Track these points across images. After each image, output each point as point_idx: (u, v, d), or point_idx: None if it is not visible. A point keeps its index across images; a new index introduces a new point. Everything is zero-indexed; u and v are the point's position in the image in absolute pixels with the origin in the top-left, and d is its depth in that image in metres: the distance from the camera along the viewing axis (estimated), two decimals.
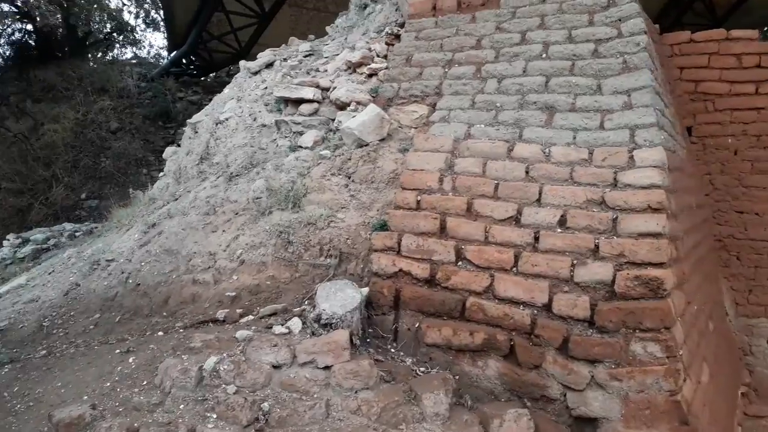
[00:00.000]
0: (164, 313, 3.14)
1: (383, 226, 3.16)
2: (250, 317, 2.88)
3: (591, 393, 2.57)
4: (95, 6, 14.38)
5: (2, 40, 16.29)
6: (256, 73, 5.06)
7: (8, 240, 7.36)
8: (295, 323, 2.63)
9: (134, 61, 18.37)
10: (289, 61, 5.08)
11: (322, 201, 3.44)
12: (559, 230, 2.90)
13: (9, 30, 16.00)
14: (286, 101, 4.27)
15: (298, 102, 4.20)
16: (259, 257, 3.23)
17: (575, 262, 2.76)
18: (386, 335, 2.87)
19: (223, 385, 2.28)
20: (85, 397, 2.42)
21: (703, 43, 5.61)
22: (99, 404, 2.30)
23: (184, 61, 16.08)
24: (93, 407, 2.24)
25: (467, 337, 2.74)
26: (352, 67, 4.35)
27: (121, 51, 20.06)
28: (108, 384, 2.47)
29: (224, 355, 2.37)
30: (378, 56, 4.36)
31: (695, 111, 5.65)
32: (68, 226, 7.70)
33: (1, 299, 3.85)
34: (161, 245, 3.61)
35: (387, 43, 4.49)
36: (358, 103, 3.94)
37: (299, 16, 15.27)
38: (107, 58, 19.25)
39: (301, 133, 4.04)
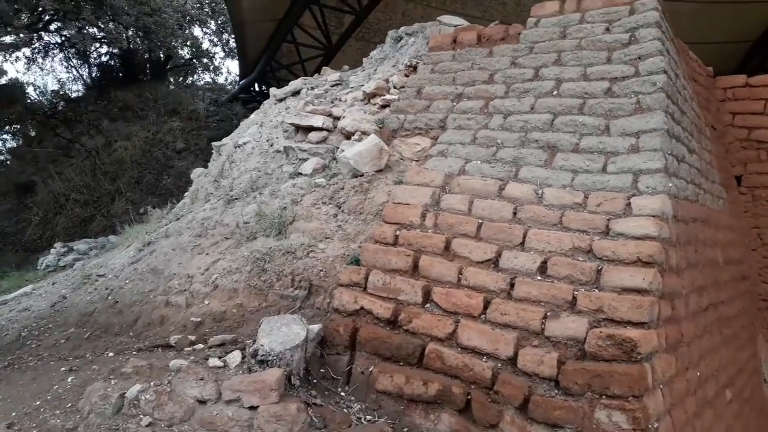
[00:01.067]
0: (131, 334, 3.11)
1: (357, 260, 3.02)
2: (200, 346, 2.79)
3: None
4: (176, 33, 15.11)
5: (89, 62, 17.38)
6: (281, 100, 5.09)
7: (55, 248, 7.69)
8: (234, 357, 2.51)
9: (208, 86, 19.16)
10: (315, 89, 5.08)
11: (307, 230, 3.34)
12: (538, 278, 2.67)
13: (95, 53, 17.08)
14: (297, 128, 4.24)
15: (308, 129, 4.16)
16: (232, 283, 3.16)
17: (549, 313, 2.52)
18: (338, 377, 2.70)
19: (140, 416, 2.18)
20: (14, 414, 2.38)
21: (760, 87, 5.22)
22: (17, 424, 2.25)
23: (253, 87, 16.61)
24: (8, 426, 2.20)
25: (420, 387, 2.53)
26: (367, 98, 4.28)
27: (200, 76, 21.06)
28: (38, 403, 2.43)
29: (150, 384, 2.29)
30: (395, 87, 4.27)
31: (746, 159, 5.23)
32: (112, 238, 7.97)
33: (5, 305, 3.96)
34: (149, 264, 3.61)
35: (406, 75, 4.40)
36: (363, 132, 3.85)
37: (365, 49, 15.53)
38: (186, 82, 20.23)
39: (305, 160, 3.98)
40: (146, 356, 2.71)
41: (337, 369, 2.73)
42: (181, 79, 20.89)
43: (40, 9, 11.06)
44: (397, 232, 3.00)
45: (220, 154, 4.96)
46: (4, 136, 17.68)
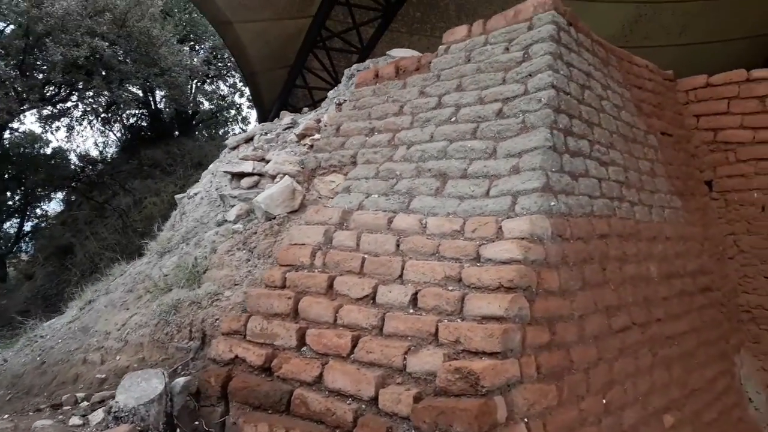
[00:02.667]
0: (45, 394, 3.20)
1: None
2: (85, 404, 2.84)
3: None
4: (187, 90, 15.72)
5: (120, 124, 18.26)
6: (234, 148, 5.20)
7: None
8: (97, 415, 2.55)
9: (235, 135, 19.70)
10: (268, 134, 5.17)
11: (218, 278, 3.39)
12: (411, 311, 2.61)
13: (126, 115, 17.96)
14: (233, 175, 4.33)
15: (241, 176, 4.25)
16: (139, 338, 3.22)
17: (412, 348, 2.45)
18: (210, 429, 2.69)
19: None
20: None
21: (721, 86, 5.02)
22: None
23: None
24: None
25: None
26: (299, 138, 4.34)
27: (231, 128, 21.78)
28: None
29: None
30: (325, 127, 4.32)
31: (715, 163, 5.01)
32: None
33: None
34: (82, 322, 3.72)
35: (338, 112, 4.45)
36: (285, 174, 3.90)
37: None
38: (217, 134, 20.96)
39: (234, 207, 4.05)
40: (30, 417, 2.78)
41: (210, 421, 2.73)
42: (214, 131, 21.66)
43: (51, 83, 11.74)
44: (286, 275, 3.00)
45: (177, 207, 5.10)
46: (52, 204, 18.71)
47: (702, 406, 3.74)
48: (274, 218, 3.58)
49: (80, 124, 17.78)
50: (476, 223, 2.75)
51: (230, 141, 5.28)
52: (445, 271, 2.63)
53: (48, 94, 12.45)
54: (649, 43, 11.26)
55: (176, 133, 18.97)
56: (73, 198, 18.09)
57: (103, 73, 11.55)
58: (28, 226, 18.72)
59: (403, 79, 3.92)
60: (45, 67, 11.07)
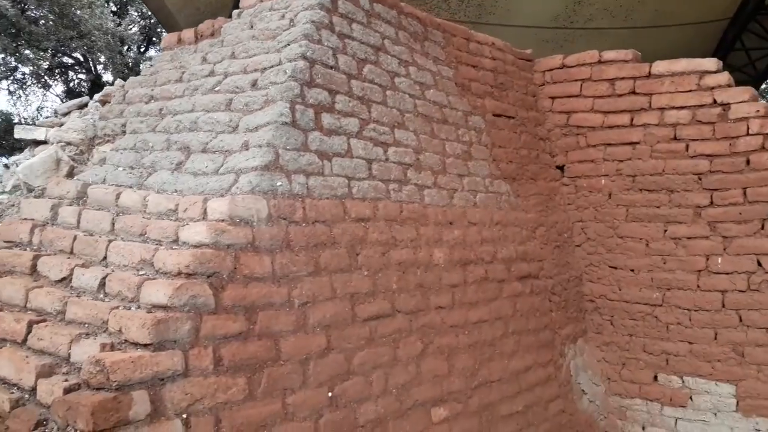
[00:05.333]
0: None
1: None
2: None
3: None
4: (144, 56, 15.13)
5: (70, 90, 17.60)
6: (66, 114, 4.90)
7: None
8: None
9: None
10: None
11: None
12: (100, 296, 2.40)
13: (74, 80, 17.30)
14: (34, 143, 4.06)
15: (37, 143, 3.98)
16: None
17: (80, 337, 2.24)
18: None
19: None
20: None
21: (575, 68, 4.86)
22: None
23: None
24: None
25: None
26: (102, 104, 4.07)
27: None
28: None
29: None
30: (115, 93, 4.03)
31: (567, 147, 4.87)
32: None
33: None
34: None
35: None
36: (69, 143, 3.64)
37: None
38: None
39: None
40: None
41: None
42: None
43: None
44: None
45: None
46: None
47: (499, 398, 3.62)
48: (35, 190, 3.33)
49: (22, 88, 17.13)
50: (188, 203, 2.54)
51: (61, 107, 4.97)
52: (142, 254, 2.42)
53: None
54: (593, 25, 11.00)
55: None
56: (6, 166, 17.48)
57: (11, 32, 11.04)
58: None
59: (196, 45, 3.66)
60: None
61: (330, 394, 2.62)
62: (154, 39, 18.14)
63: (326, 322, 2.66)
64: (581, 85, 4.77)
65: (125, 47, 15.77)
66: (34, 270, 2.62)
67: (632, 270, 4.51)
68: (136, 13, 17.95)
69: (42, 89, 17.90)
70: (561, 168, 4.89)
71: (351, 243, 2.86)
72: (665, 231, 4.34)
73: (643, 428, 4.45)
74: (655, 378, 4.40)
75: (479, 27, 7.17)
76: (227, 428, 2.21)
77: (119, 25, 14.09)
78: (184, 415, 2.12)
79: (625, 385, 4.54)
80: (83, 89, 18.59)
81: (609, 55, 4.67)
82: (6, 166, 3.89)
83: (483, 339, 3.58)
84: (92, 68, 18.05)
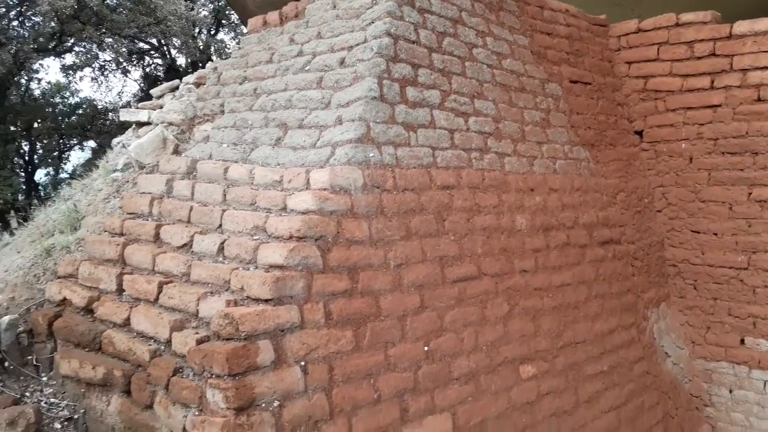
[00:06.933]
0: None
1: None
2: None
3: None
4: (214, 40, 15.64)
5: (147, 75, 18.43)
6: (159, 97, 5.25)
7: None
8: None
9: None
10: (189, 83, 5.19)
11: (90, 224, 3.50)
12: (220, 259, 2.68)
13: (151, 66, 18.07)
14: (137, 124, 4.41)
15: (141, 125, 4.32)
16: (15, 279, 3.39)
17: (207, 295, 2.53)
18: (39, 364, 2.87)
19: None
20: None
21: (651, 31, 4.82)
22: None
23: None
24: None
25: (90, 371, 2.63)
26: (196, 86, 4.37)
27: None
28: None
29: None
30: (210, 75, 4.30)
31: (646, 112, 4.86)
32: None
33: None
34: None
35: None
36: (171, 123, 3.95)
37: None
38: None
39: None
40: None
41: (41, 356, 2.90)
42: None
43: (54, 35, 11.97)
44: (124, 222, 3.10)
45: None
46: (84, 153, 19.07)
47: (584, 358, 3.73)
48: (145, 167, 3.65)
49: (104, 75, 18.02)
50: (292, 174, 2.77)
51: (155, 90, 5.32)
52: (255, 221, 2.67)
53: (52, 45, 12.74)
54: None
55: None
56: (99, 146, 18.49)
57: (94, 22, 11.68)
58: (63, 174, 19.26)
59: (283, 26, 3.88)
60: (36, 19, 11.27)
61: (426, 348, 2.83)
62: (223, 22, 18.68)
63: (419, 283, 2.86)
64: (658, 48, 4.72)
65: (197, 31, 16.33)
66: (157, 237, 2.93)
67: (715, 234, 4.48)
68: None
69: (122, 75, 18.84)
70: (639, 133, 4.88)
71: (438, 209, 3.03)
72: (749, 194, 4.29)
73: (731, 391, 4.47)
74: (742, 341, 4.39)
75: None
76: (339, 375, 2.45)
77: (191, 9, 14.60)
78: (303, 363, 2.37)
79: (710, 349, 4.55)
80: (159, 73, 19.39)
81: (687, 17, 4.59)
82: (122, 146, 4.24)
83: (567, 302, 3.69)
84: (167, 53, 18.81)
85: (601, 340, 3.89)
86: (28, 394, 2.71)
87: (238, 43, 4.32)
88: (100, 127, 14.70)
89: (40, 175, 17.63)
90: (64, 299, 2.96)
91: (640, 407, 4.06)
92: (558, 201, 3.79)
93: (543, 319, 3.50)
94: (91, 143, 16.73)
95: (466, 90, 3.39)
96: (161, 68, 19.19)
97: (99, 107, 16.16)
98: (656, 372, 4.40)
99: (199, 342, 2.37)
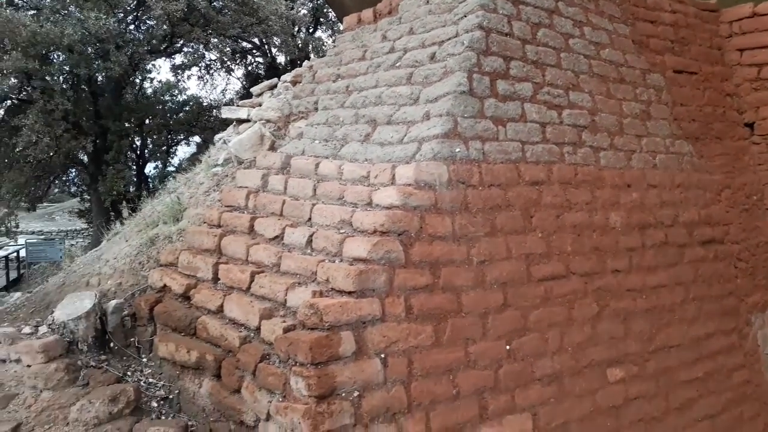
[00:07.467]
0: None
1: None
2: (52, 318, 3.32)
3: (269, 426, 2.45)
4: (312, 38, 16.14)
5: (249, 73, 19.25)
6: (259, 95, 5.48)
7: None
8: (43, 327, 2.99)
9: None
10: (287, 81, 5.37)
11: (191, 215, 3.72)
12: (308, 251, 2.77)
13: (252, 65, 18.86)
14: (237, 121, 4.63)
15: (240, 122, 4.53)
16: (123, 266, 3.66)
17: (296, 285, 2.63)
18: (140, 346, 3.07)
19: None
20: None
21: None
22: None
23: None
24: None
25: (185, 354, 2.80)
26: (293, 84, 4.52)
27: None
28: None
29: None
30: (305, 73, 4.43)
31: (758, 102, 4.54)
32: None
33: None
34: (102, 251, 4.25)
35: None
36: (268, 120, 4.12)
37: None
38: None
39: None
40: (5, 326, 3.31)
41: (142, 339, 3.11)
42: None
43: (165, 37, 12.75)
44: (222, 215, 3.26)
45: None
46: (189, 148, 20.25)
47: (677, 363, 3.56)
48: (243, 162, 3.83)
49: (209, 73, 18.99)
50: (378, 170, 2.82)
51: (255, 89, 5.55)
52: (342, 215, 2.74)
53: (164, 47, 13.61)
54: None
55: None
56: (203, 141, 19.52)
57: (201, 23, 12.31)
58: (170, 168, 20.51)
59: (375, 24, 3.93)
60: (151, 22, 12.04)
61: (508, 347, 2.79)
62: (321, 20, 19.15)
63: (502, 280, 2.82)
64: None
65: (296, 29, 16.83)
66: (251, 229, 3.08)
67: None
68: None
69: (225, 73, 19.77)
70: (750, 125, 4.54)
71: (525, 205, 2.97)
72: None
73: None
74: None
75: None
76: (418, 369, 2.48)
77: (291, 8, 15.07)
78: (383, 355, 2.41)
79: None
80: (260, 71, 20.18)
81: None
82: (224, 141, 4.46)
83: (661, 304, 3.52)
84: (268, 51, 19.53)
85: (696, 344, 3.68)
86: (129, 373, 2.93)
87: (333, 41, 4.42)
88: (204, 123, 15.50)
89: (150, 169, 18.94)
90: (165, 286, 3.17)
91: (738, 417, 3.80)
92: (657, 198, 3.61)
93: (634, 322, 3.36)
94: (197, 139, 17.68)
95: (560, 82, 3.30)
96: (262, 66, 19.97)
97: (204, 104, 17.04)
98: (758, 381, 4.09)
99: (286, 330, 2.47)
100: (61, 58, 11.96)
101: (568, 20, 3.47)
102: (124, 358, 3.03)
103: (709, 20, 4.55)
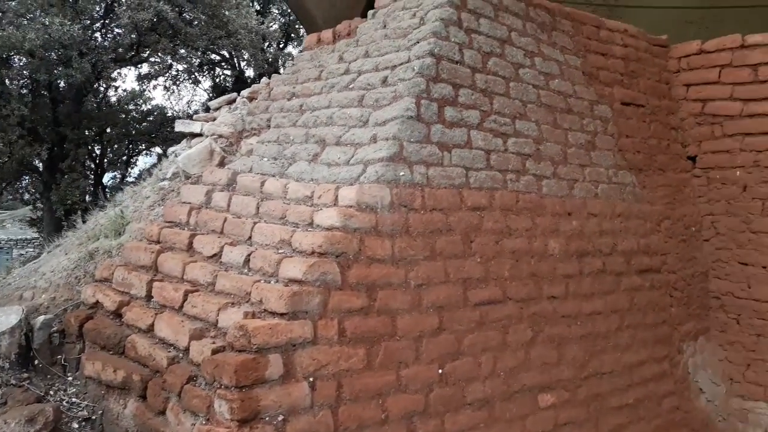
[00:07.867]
0: None
1: None
2: None
3: None
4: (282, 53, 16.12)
5: (216, 85, 19.11)
6: (217, 109, 5.45)
7: None
8: None
9: None
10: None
11: (134, 230, 3.66)
12: (244, 270, 2.75)
13: (220, 78, 18.81)
14: (190, 135, 4.59)
15: (194, 136, 4.49)
16: (59, 280, 3.57)
17: (228, 305, 2.60)
18: (67, 364, 3.01)
19: None
20: None
21: (714, 53, 4.63)
22: None
23: None
24: None
25: (112, 373, 2.74)
26: (249, 100, 4.51)
27: None
28: None
29: None
30: (262, 90, 4.43)
31: (701, 137, 4.69)
32: None
33: None
34: (39, 263, 4.15)
35: None
36: (221, 135, 4.09)
37: None
38: None
39: None
40: None
41: (70, 356, 3.04)
42: None
43: (132, 46, 12.63)
44: (162, 231, 3.22)
45: None
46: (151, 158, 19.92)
47: (609, 389, 3.62)
48: (190, 177, 3.79)
49: (176, 84, 18.79)
50: (322, 190, 2.82)
51: (213, 103, 5.52)
52: (282, 235, 2.73)
53: (130, 56, 13.47)
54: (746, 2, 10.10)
55: None
56: (164, 153, 19.26)
57: (169, 34, 12.23)
58: (130, 178, 20.17)
59: (335, 44, 3.96)
60: (118, 30, 11.90)
61: (440, 371, 2.81)
62: (292, 35, 19.20)
63: (439, 304, 2.84)
64: (720, 71, 4.53)
65: (266, 44, 16.83)
66: (190, 247, 3.04)
67: (765, 267, 4.25)
68: (277, 11, 19.10)
69: (192, 85, 19.62)
70: (693, 159, 4.69)
71: (466, 230, 3.01)
72: None
73: None
74: None
75: (618, 10, 6.96)
76: (347, 393, 2.47)
77: (262, 23, 15.08)
78: (311, 379, 2.40)
79: (749, 387, 4.30)
80: (227, 84, 20.06)
81: (754, 38, 4.39)
82: (174, 155, 4.42)
83: (596, 331, 3.58)
84: (236, 65, 19.46)
85: (629, 371, 3.75)
86: (52, 392, 2.86)
87: (293, 60, 4.44)
88: (166, 134, 15.33)
89: (108, 179, 18.61)
90: (97, 302, 3.11)
91: None
92: (596, 226, 3.70)
93: (568, 348, 3.41)
94: (158, 149, 17.49)
95: (508, 110, 3.36)
96: (230, 79, 19.89)
97: (168, 115, 16.86)
98: (687, 408, 4.19)
99: (215, 352, 2.44)
100: (21, 63, 11.74)
101: (520, 50, 3.55)
102: (48, 376, 2.95)
103: (659, 55, 4.71)
